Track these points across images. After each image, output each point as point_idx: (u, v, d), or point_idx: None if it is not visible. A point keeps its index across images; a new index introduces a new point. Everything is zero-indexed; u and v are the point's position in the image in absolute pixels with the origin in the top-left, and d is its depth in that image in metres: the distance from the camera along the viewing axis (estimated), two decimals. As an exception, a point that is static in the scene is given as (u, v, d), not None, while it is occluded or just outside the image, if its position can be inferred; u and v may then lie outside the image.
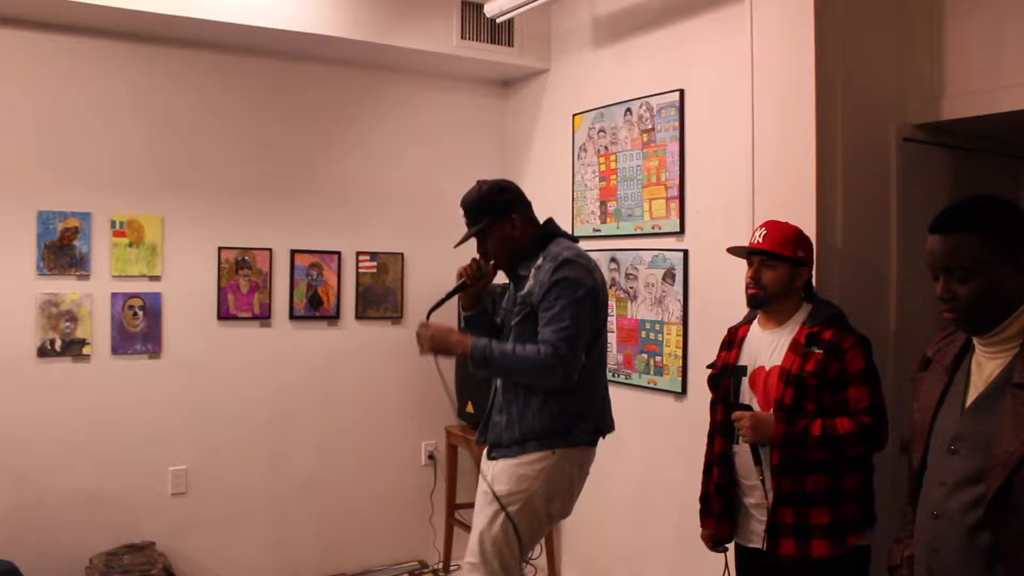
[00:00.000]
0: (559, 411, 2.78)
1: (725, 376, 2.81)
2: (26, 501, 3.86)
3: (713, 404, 2.86)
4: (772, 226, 2.73)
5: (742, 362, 2.77)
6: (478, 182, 2.96)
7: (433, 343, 2.83)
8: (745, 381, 2.74)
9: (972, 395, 1.81)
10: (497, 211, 2.87)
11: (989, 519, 1.68)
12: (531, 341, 2.75)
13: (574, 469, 2.83)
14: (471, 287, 2.94)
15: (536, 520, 2.81)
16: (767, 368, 2.68)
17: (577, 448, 2.81)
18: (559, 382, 2.72)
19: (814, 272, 2.81)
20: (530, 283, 2.80)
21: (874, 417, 2.51)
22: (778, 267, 2.66)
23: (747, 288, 2.74)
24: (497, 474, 2.80)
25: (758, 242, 2.70)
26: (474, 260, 2.94)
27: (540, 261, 2.82)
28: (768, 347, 2.71)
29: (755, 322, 2.81)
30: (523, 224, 2.90)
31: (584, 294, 2.73)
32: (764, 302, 2.71)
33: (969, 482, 1.73)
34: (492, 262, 2.93)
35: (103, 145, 4.02)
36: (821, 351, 2.56)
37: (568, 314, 2.69)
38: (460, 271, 2.93)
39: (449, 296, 2.96)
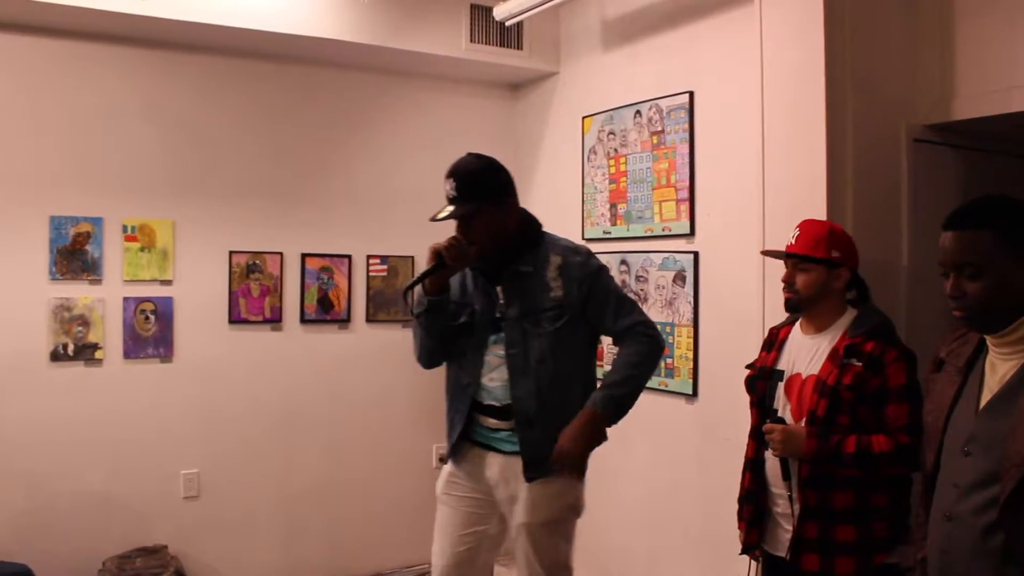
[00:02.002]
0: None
1: (761, 379, 2.72)
2: (39, 504, 3.88)
3: (751, 406, 2.79)
4: (805, 226, 2.65)
5: (780, 366, 2.68)
6: (472, 154, 2.71)
7: (583, 449, 2.58)
8: (780, 386, 2.65)
9: (986, 396, 1.80)
10: (496, 192, 2.65)
11: (1002, 521, 1.67)
12: (574, 346, 2.67)
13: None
14: (449, 269, 2.63)
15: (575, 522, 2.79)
16: (803, 376, 2.59)
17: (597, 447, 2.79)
18: (664, 348, 2.78)
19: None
20: (559, 284, 2.64)
21: (913, 436, 2.36)
22: (811, 270, 2.57)
23: (783, 292, 2.65)
24: (535, 498, 2.63)
25: (791, 244, 2.62)
26: (454, 238, 2.62)
27: (559, 259, 2.67)
28: (807, 354, 2.61)
29: (797, 324, 2.72)
30: (516, 212, 2.72)
31: (612, 277, 2.80)
32: (798, 306, 2.63)
33: (982, 484, 1.72)
34: (473, 247, 2.63)
35: (115, 150, 4.05)
36: (860, 364, 2.45)
37: (623, 294, 2.76)
38: (436, 248, 2.60)
39: (426, 275, 2.62)
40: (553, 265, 2.67)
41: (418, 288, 2.69)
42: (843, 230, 2.68)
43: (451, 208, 2.64)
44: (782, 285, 2.66)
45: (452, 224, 2.69)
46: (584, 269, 2.66)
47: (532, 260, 2.68)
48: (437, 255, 2.58)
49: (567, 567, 2.74)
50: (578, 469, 2.63)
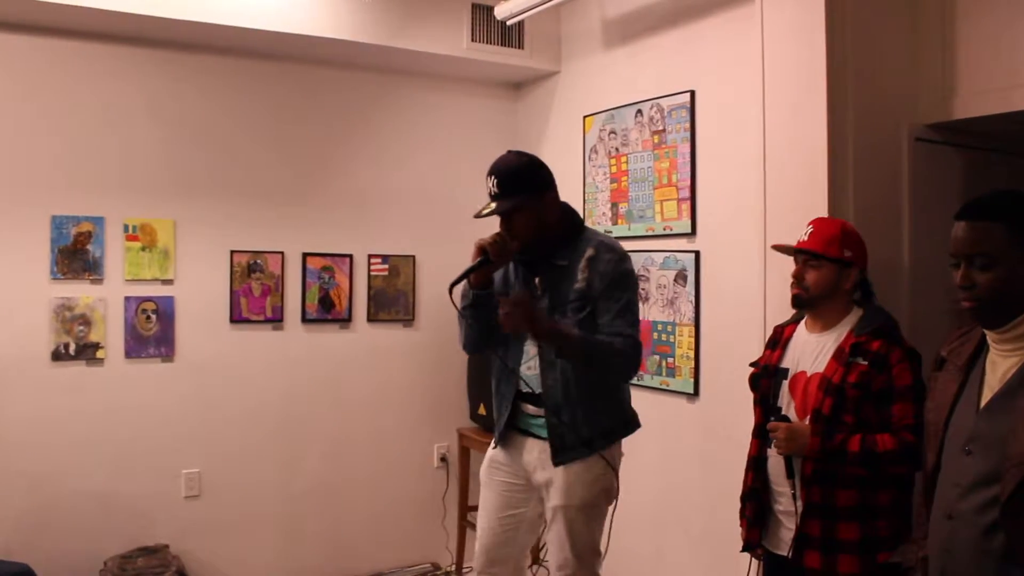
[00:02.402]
0: (619, 406, 2.82)
1: (766, 377, 2.72)
2: (40, 504, 3.88)
3: (756, 404, 2.79)
4: (819, 224, 2.66)
5: (784, 364, 2.68)
6: (513, 151, 2.78)
7: (527, 319, 2.55)
8: (785, 384, 2.66)
9: (987, 395, 1.80)
10: (536, 187, 2.70)
11: (1003, 520, 1.67)
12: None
13: (621, 452, 2.86)
14: (494, 264, 2.68)
15: (609, 508, 2.82)
16: (808, 374, 2.59)
17: (627, 436, 2.85)
18: (634, 373, 2.73)
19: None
20: (585, 275, 2.67)
21: (918, 436, 2.34)
22: (822, 267, 2.57)
23: (791, 288, 2.65)
24: (569, 481, 2.70)
25: (803, 240, 2.63)
26: (498, 234, 2.68)
27: (592, 251, 2.69)
28: (812, 352, 2.62)
29: (802, 323, 2.73)
30: (557, 204, 2.77)
31: (637, 290, 2.79)
32: (806, 303, 2.63)
33: (983, 483, 1.72)
34: (515, 241, 2.69)
35: (116, 150, 4.05)
36: (866, 363, 2.46)
37: (635, 308, 2.73)
38: (481, 244, 2.65)
39: (471, 271, 2.66)
40: (585, 257, 2.71)
41: (463, 284, 2.75)
42: (855, 230, 2.67)
43: (493, 205, 2.70)
44: (790, 281, 2.66)
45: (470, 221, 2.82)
46: (612, 266, 2.68)
47: (569, 254, 2.73)
48: (482, 251, 2.64)
49: (597, 550, 2.80)
50: (512, 320, 2.56)
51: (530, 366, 2.78)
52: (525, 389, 2.79)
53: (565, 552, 2.73)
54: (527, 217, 2.68)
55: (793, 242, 2.70)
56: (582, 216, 4.38)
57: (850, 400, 2.46)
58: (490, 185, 2.71)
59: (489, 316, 2.75)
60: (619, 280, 2.68)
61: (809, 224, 2.67)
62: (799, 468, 2.53)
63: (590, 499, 2.72)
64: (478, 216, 2.74)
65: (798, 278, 2.63)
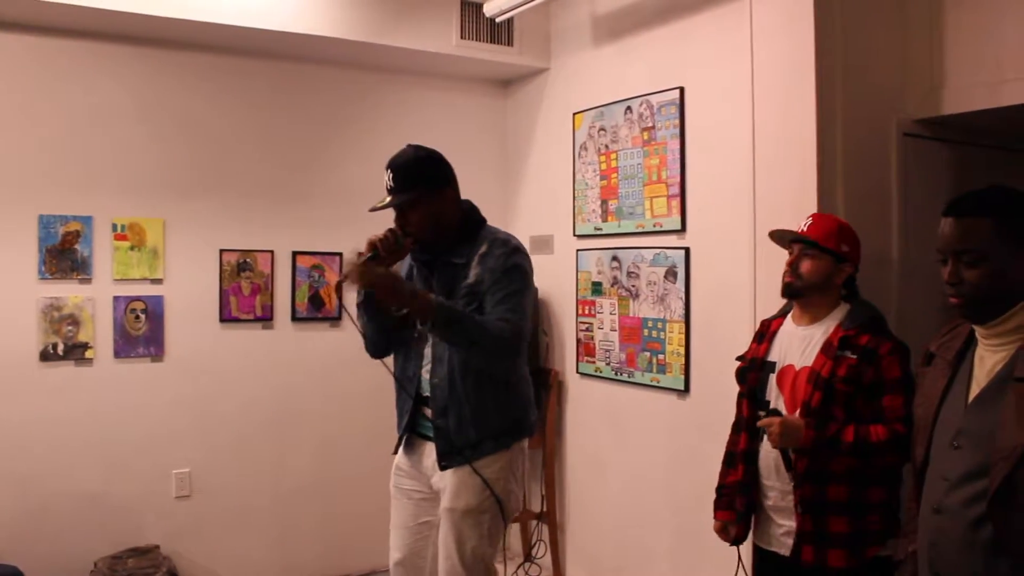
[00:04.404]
0: (510, 404, 2.70)
1: (753, 371, 2.73)
2: (29, 505, 3.86)
3: (740, 398, 2.80)
4: (818, 217, 2.70)
5: (772, 357, 2.69)
6: (411, 145, 2.72)
7: (384, 284, 2.47)
8: (773, 378, 2.67)
9: (975, 390, 1.81)
10: (433, 181, 2.65)
11: (991, 513, 1.67)
12: None
13: (525, 461, 2.78)
14: (383, 260, 2.56)
15: (506, 522, 2.72)
16: (796, 368, 2.60)
17: (526, 439, 2.77)
18: (509, 360, 2.64)
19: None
20: (476, 271, 2.62)
21: (909, 427, 2.36)
22: (819, 258, 2.59)
23: (784, 276, 2.66)
24: (457, 485, 2.63)
25: (802, 230, 2.64)
26: (390, 230, 2.61)
27: (485, 248, 2.65)
28: (799, 345, 2.63)
29: (789, 316, 2.74)
30: (456, 202, 2.72)
31: (530, 286, 2.68)
32: (799, 292, 2.64)
33: (972, 477, 1.72)
34: (409, 237, 2.63)
35: (104, 148, 4.03)
36: (855, 356, 2.47)
37: (522, 300, 2.61)
38: (372, 240, 2.57)
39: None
40: (478, 253, 2.66)
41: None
42: (852, 229, 2.69)
43: (388, 199, 2.66)
44: (782, 272, 2.67)
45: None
46: (501, 260, 2.62)
47: (466, 252, 2.67)
48: (372, 246, 2.57)
49: (490, 567, 2.69)
50: (364, 279, 2.49)
51: (428, 369, 2.70)
52: (425, 392, 2.72)
53: (452, 560, 2.62)
54: (422, 213, 2.62)
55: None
56: (573, 213, 4.43)
57: (839, 393, 2.48)
58: (387, 179, 2.67)
59: (383, 315, 2.69)
60: (507, 272, 2.60)
61: (809, 216, 2.70)
62: (793, 463, 2.54)
63: (476, 505, 2.62)
64: (372, 210, 2.68)
65: (793, 266, 2.64)
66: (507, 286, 2.59)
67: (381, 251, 2.55)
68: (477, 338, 2.51)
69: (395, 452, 2.90)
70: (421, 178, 2.63)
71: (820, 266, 2.60)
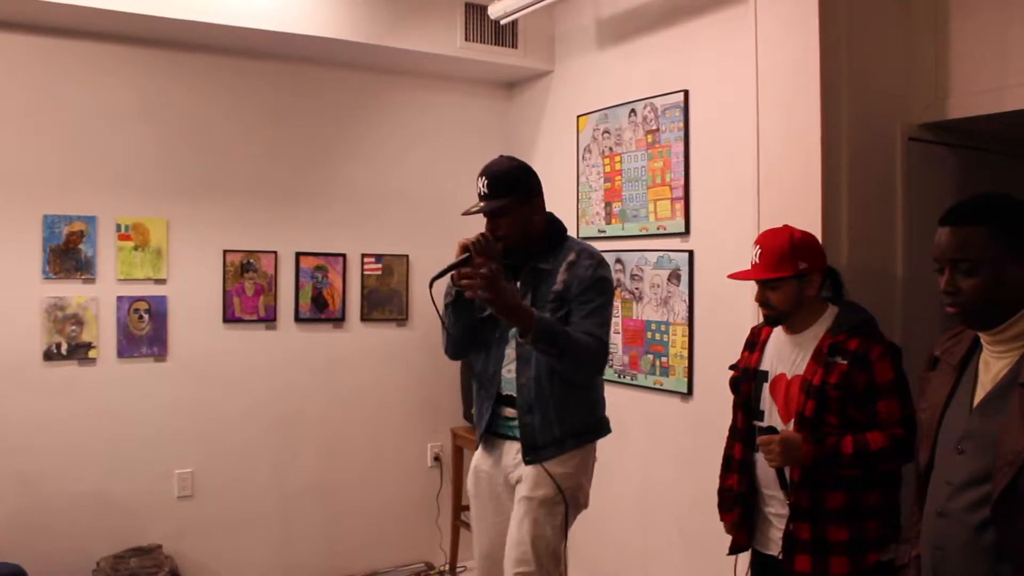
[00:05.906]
0: (593, 405, 2.83)
1: (746, 380, 2.73)
2: (33, 504, 3.87)
3: (735, 406, 2.79)
4: (767, 244, 2.62)
5: (763, 367, 2.68)
6: (505, 156, 2.86)
7: (497, 293, 2.49)
8: (766, 388, 2.65)
9: (979, 395, 1.80)
10: (524, 191, 2.77)
11: (995, 518, 1.67)
12: None
13: (595, 459, 2.87)
14: (476, 262, 2.61)
15: (575, 516, 2.81)
16: (788, 377, 2.59)
17: (600, 439, 2.87)
18: (598, 374, 2.81)
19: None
20: (564, 277, 2.72)
21: (907, 429, 2.38)
22: (781, 286, 2.57)
23: (760, 307, 2.66)
24: (536, 477, 2.72)
25: (755, 263, 2.62)
26: (483, 235, 2.69)
27: (573, 256, 2.75)
28: (790, 354, 2.62)
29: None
30: (543, 212, 2.84)
31: (613, 299, 2.83)
32: (779, 320, 2.63)
33: (975, 482, 1.72)
34: (499, 241, 2.72)
35: (108, 149, 4.03)
36: (845, 362, 2.45)
37: (607, 313, 2.75)
38: (464, 243, 2.63)
39: (452, 267, 2.61)
40: (566, 261, 2.77)
41: (447, 280, 2.75)
42: (804, 235, 2.64)
43: (481, 204, 2.76)
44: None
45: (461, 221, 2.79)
46: (590, 271, 2.73)
47: (551, 259, 2.79)
48: (465, 249, 2.64)
49: (556, 554, 2.76)
50: (474, 285, 2.50)
51: (511, 369, 2.80)
52: (506, 392, 2.81)
53: (524, 547, 2.69)
54: (513, 219, 2.74)
55: (748, 263, 2.68)
56: (577, 215, 4.43)
57: (832, 400, 2.46)
58: (480, 185, 2.77)
59: (470, 316, 2.80)
60: (594, 284, 2.72)
61: (756, 244, 2.66)
62: (789, 475, 2.53)
63: (554, 495, 2.71)
64: (466, 213, 2.79)
65: (761, 301, 2.63)
66: (595, 298, 2.71)
67: (474, 254, 2.62)
68: (569, 352, 2.62)
69: (477, 451, 2.99)
70: (514, 186, 2.75)
71: (786, 293, 2.57)
